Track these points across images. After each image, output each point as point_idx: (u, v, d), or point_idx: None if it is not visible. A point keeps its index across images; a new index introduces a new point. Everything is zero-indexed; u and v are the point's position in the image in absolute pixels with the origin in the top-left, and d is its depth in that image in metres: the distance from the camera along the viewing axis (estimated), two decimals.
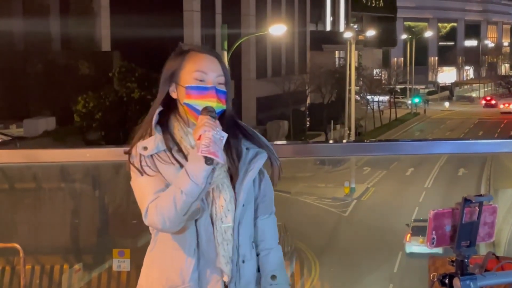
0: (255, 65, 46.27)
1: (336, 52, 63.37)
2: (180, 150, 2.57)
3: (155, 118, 2.61)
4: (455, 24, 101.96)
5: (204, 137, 2.43)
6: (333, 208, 26.29)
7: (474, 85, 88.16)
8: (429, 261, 2.97)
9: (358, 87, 53.25)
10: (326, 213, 25.57)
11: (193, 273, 2.56)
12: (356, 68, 49.24)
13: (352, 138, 38.63)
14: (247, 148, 2.65)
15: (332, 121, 44.96)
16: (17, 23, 34.81)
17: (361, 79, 55.90)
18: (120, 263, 4.95)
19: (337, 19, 64.87)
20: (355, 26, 65.16)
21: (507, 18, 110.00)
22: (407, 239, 20.95)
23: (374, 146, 4.16)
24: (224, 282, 2.59)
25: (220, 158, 2.42)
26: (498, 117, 61.32)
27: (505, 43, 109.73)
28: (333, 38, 58.43)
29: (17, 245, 4.97)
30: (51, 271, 5.62)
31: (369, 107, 55.15)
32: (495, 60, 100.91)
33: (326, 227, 23.65)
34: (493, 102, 72.25)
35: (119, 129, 29.80)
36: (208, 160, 2.42)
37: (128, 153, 2.61)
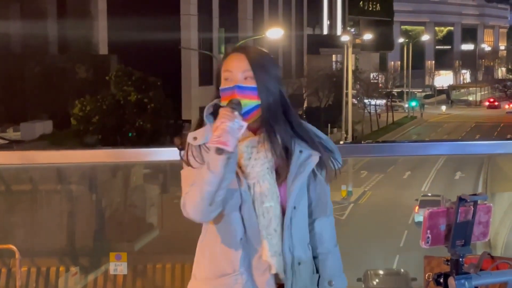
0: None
1: (333, 55, 63.43)
2: None
3: (207, 109, 2.65)
4: (451, 28, 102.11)
5: (218, 128, 2.48)
6: None
7: (471, 88, 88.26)
8: (424, 261, 2.98)
9: (355, 91, 53.25)
10: None
11: (242, 261, 2.60)
12: (353, 72, 49.23)
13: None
14: (300, 151, 2.65)
15: (329, 125, 44.99)
16: (14, 26, 34.80)
17: (358, 82, 55.91)
18: (117, 267, 4.94)
19: (334, 23, 64.94)
20: (352, 30, 65.31)
21: (503, 22, 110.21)
22: (416, 210, 24.72)
23: (370, 147, 4.17)
24: (274, 276, 2.62)
25: (230, 147, 2.46)
26: (495, 120, 61.40)
27: (502, 46, 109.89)
28: (330, 42, 58.49)
29: (13, 247, 4.96)
30: (47, 274, 5.61)
31: (366, 111, 55.18)
32: (491, 63, 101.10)
33: None
34: (496, 103, 74.66)
35: (116, 133, 29.81)
36: (219, 150, 2.46)
37: (181, 145, 2.67)
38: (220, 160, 2.48)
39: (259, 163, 2.61)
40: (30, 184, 6.37)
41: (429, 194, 25.22)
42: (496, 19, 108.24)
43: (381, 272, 19.24)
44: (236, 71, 2.62)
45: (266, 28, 37.09)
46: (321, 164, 2.67)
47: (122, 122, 30.08)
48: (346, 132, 39.46)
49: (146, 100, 30.05)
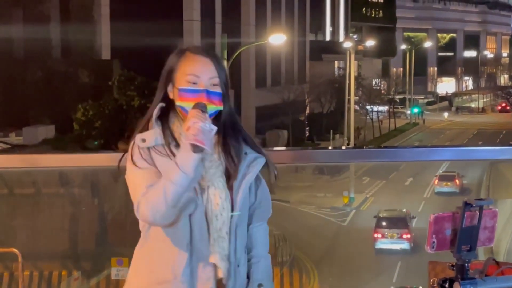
0: (255, 75, 46.34)
1: (336, 62, 63.50)
2: (178, 145, 2.58)
3: (156, 112, 2.63)
4: (454, 35, 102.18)
5: (192, 128, 2.46)
6: (332, 217, 26.27)
7: (473, 95, 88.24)
8: (429, 266, 2.96)
9: (357, 97, 53.28)
10: (325, 223, 25.54)
11: (185, 268, 2.56)
12: (356, 78, 49.28)
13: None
14: (245, 153, 2.66)
15: (331, 131, 44.98)
16: (17, 31, 34.86)
17: (361, 89, 55.93)
18: (119, 272, 4.92)
19: (337, 29, 65.00)
20: (355, 36, 65.36)
21: (506, 29, 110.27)
22: (436, 183, 29.37)
23: (373, 152, 4.15)
24: (217, 281, 2.59)
25: (207, 146, 2.45)
26: (497, 127, 61.36)
27: (504, 54, 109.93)
28: (333, 48, 58.54)
29: (15, 250, 4.95)
30: (49, 278, 5.59)
31: (368, 117, 55.17)
32: (494, 70, 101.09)
33: (325, 236, 23.62)
34: (508, 108, 77.89)
35: (119, 137, 29.79)
36: (196, 148, 2.44)
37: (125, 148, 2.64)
38: (193, 160, 2.45)
39: (214, 165, 2.61)
40: (32, 187, 6.36)
41: (447, 172, 28.52)
42: (499, 26, 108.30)
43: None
44: (204, 76, 2.61)
45: (268, 33, 37.10)
46: (264, 168, 2.69)
47: (124, 127, 30.08)
48: (348, 139, 39.45)
49: (149, 105, 30.03)
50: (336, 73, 61.58)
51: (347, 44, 42.56)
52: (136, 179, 2.55)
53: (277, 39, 31.47)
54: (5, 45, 33.83)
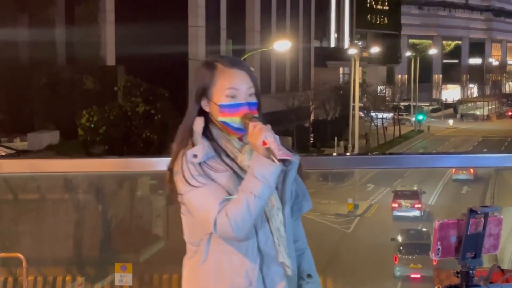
0: (259, 81, 46.29)
1: (340, 68, 63.51)
2: (227, 155, 2.60)
3: (199, 126, 2.62)
4: (459, 42, 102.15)
5: (270, 142, 2.47)
6: (336, 224, 26.22)
7: (478, 103, 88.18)
8: (433, 273, 2.96)
9: (362, 104, 53.25)
10: (329, 230, 25.48)
11: (258, 272, 2.59)
12: (360, 85, 49.26)
13: None
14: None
15: (335, 137, 44.95)
16: (22, 37, 34.95)
17: (365, 95, 55.91)
18: (123, 278, 4.92)
19: (342, 36, 65.03)
20: (360, 43, 65.43)
21: (511, 37, 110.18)
22: (453, 171, 28.92)
23: (377, 159, 4.15)
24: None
25: (294, 157, 2.50)
26: (502, 135, 61.29)
27: (509, 61, 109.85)
28: (337, 55, 58.57)
29: (20, 255, 4.95)
30: (53, 283, 5.59)
31: (373, 124, 55.16)
32: (499, 78, 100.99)
33: (329, 243, 23.56)
34: None
35: (123, 143, 29.83)
36: (286, 162, 2.47)
37: (171, 167, 2.60)
38: (275, 173, 2.48)
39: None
40: (37, 193, 6.37)
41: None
42: (504, 34, 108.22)
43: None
44: (242, 88, 2.62)
45: (273, 40, 37.14)
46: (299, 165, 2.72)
47: (129, 133, 30.11)
48: (353, 146, 39.42)
49: (154, 111, 30.08)
50: (341, 79, 61.59)
51: (352, 51, 42.58)
52: (202, 197, 2.53)
53: (282, 46, 31.51)
54: (11, 51, 33.92)
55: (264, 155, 2.48)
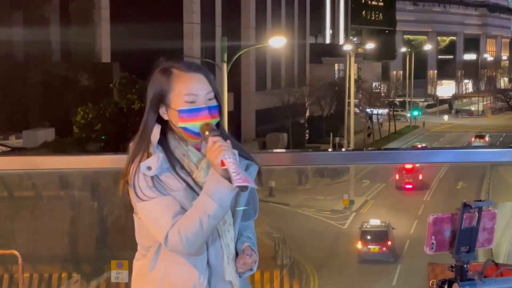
0: (255, 78, 46.34)
1: (336, 64, 63.48)
2: (182, 167, 2.54)
3: (155, 137, 2.55)
4: (454, 38, 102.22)
5: (229, 164, 2.40)
6: (332, 220, 26.25)
7: (473, 98, 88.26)
8: (428, 268, 2.96)
9: (357, 100, 53.30)
10: (325, 226, 25.51)
11: (207, 286, 2.55)
12: (356, 81, 49.30)
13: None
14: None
15: (331, 134, 44.97)
16: (17, 34, 34.87)
17: (361, 92, 55.96)
18: (119, 275, 4.92)
19: (337, 32, 65.03)
20: (355, 39, 65.39)
21: (506, 32, 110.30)
22: (472, 140, 32.14)
23: (373, 154, 4.15)
24: None
25: (251, 182, 2.41)
26: (497, 130, 61.41)
27: (504, 56, 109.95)
28: (333, 51, 58.57)
29: (16, 252, 4.95)
30: (49, 280, 5.59)
31: (366, 120, 55.20)
32: (494, 73, 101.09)
33: (325, 239, 23.59)
34: None
35: (119, 140, 29.81)
36: (244, 188, 2.40)
37: (124, 177, 2.53)
38: (231, 195, 2.43)
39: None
40: (32, 190, 6.36)
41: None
42: (499, 29, 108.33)
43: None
44: (200, 93, 2.55)
45: (268, 36, 37.13)
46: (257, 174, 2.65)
47: (125, 130, 30.09)
48: (348, 142, 39.45)
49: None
50: (336, 76, 61.57)
51: (347, 47, 42.58)
52: (154, 210, 2.49)
53: (277, 42, 31.48)
54: (5, 48, 33.85)
55: (221, 174, 2.41)
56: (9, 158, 3.95)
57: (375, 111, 57.08)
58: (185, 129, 2.54)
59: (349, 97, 39.32)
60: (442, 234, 2.40)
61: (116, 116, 30.01)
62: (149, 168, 2.48)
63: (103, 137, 30.14)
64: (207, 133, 2.48)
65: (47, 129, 33.13)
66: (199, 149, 2.57)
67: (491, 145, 38.39)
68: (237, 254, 2.59)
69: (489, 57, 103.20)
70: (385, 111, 62.00)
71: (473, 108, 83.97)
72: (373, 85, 66.76)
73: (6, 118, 33.73)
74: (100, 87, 33.18)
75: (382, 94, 65.03)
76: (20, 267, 4.92)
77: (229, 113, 29.16)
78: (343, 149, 26.28)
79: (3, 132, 32.57)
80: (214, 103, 2.57)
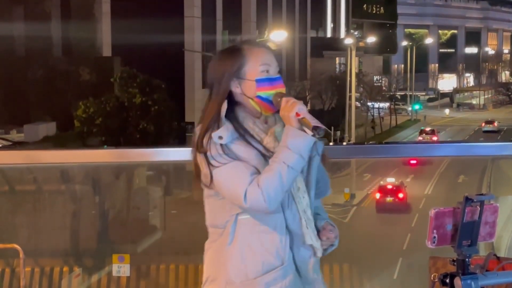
0: None
1: (337, 58, 63.41)
2: (251, 136, 2.64)
3: (223, 110, 2.65)
4: (455, 31, 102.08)
5: (303, 113, 2.58)
6: (333, 214, 26.24)
7: (474, 92, 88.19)
8: (429, 262, 2.96)
9: (358, 94, 53.25)
10: None
11: (289, 251, 2.63)
12: (357, 75, 49.24)
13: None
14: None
15: (332, 128, 44.94)
16: (18, 29, 34.85)
17: (362, 85, 55.90)
18: (120, 268, 4.94)
19: (338, 26, 64.94)
20: (356, 33, 65.28)
21: (507, 26, 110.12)
22: (482, 125, 36.56)
23: (374, 148, 4.15)
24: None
25: (323, 127, 2.57)
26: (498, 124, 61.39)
27: (505, 50, 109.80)
28: (334, 45, 58.48)
29: (17, 246, 4.96)
30: (50, 274, 5.60)
31: (369, 114, 55.16)
32: (495, 67, 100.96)
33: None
34: None
35: (120, 135, 29.82)
36: (318, 130, 2.54)
37: (198, 148, 2.64)
38: (308, 144, 2.54)
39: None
40: (34, 184, 6.37)
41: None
42: (500, 23, 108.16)
43: None
44: (273, 64, 2.72)
45: (269, 30, 37.10)
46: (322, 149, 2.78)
47: (125, 124, 30.08)
48: (349, 136, 39.44)
49: (150, 102, 30.06)
50: (337, 69, 61.51)
51: (348, 41, 42.52)
52: (230, 172, 2.57)
53: (278, 36, 31.49)
54: (7, 43, 33.83)
55: (296, 127, 2.56)
56: (10, 152, 3.96)
57: (376, 105, 57.03)
58: (260, 97, 2.67)
59: (350, 91, 39.28)
60: (444, 228, 2.40)
61: (117, 110, 29.99)
62: (220, 137, 2.59)
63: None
64: (279, 98, 2.64)
65: (48, 123, 33.14)
66: (266, 123, 2.70)
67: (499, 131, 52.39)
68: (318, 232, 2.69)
69: (490, 50, 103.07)
70: (386, 105, 61.96)
71: (474, 101, 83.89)
72: (374, 79, 66.65)
73: (7, 112, 33.72)
74: (101, 81, 33.16)
75: (383, 88, 64.99)
76: (22, 261, 4.92)
77: None
78: (344, 143, 26.30)
79: (4, 126, 32.58)
80: (280, 75, 2.75)
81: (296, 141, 2.54)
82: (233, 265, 2.62)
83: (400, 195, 26.61)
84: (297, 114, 2.57)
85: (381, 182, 27.32)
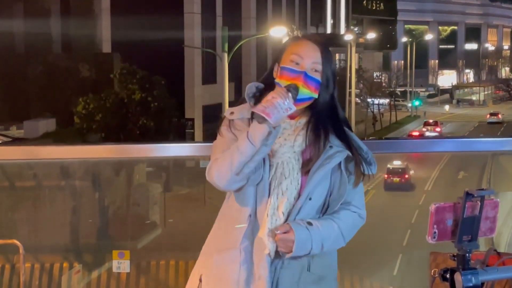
0: (256, 68, 46.30)
1: (337, 54, 63.33)
2: None
3: (249, 87, 2.77)
4: (455, 27, 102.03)
5: (267, 101, 2.59)
6: None
7: (474, 88, 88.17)
8: (430, 257, 2.96)
9: (358, 90, 53.24)
10: None
11: (243, 238, 2.65)
12: (357, 71, 49.23)
13: None
14: (331, 146, 2.70)
15: None
16: (18, 25, 34.83)
17: (362, 81, 55.89)
18: (120, 264, 4.94)
19: (338, 22, 64.90)
20: (356, 29, 65.23)
21: (507, 22, 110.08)
22: (487, 117, 42.04)
23: (374, 144, 4.15)
24: (270, 257, 2.64)
25: (272, 119, 2.54)
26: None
27: (505, 46, 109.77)
28: (334, 41, 58.35)
29: (17, 242, 4.96)
30: (50, 270, 5.60)
31: (369, 110, 55.15)
32: (495, 63, 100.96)
33: None
34: None
35: (120, 131, 29.81)
36: (260, 118, 2.55)
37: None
38: (260, 132, 2.55)
39: (288, 144, 2.68)
40: (34, 180, 6.36)
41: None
42: (500, 19, 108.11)
43: None
44: (307, 58, 2.70)
45: (269, 26, 37.04)
46: (349, 164, 2.70)
47: (125, 121, 30.07)
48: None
49: (150, 98, 30.05)
50: (337, 66, 61.47)
51: (348, 37, 42.50)
52: (215, 146, 2.72)
53: (278, 32, 31.42)
54: (6, 40, 33.82)
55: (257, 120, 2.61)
56: (10, 148, 3.96)
57: (376, 101, 57.02)
58: (278, 84, 2.71)
59: (350, 87, 39.28)
60: (444, 223, 2.39)
61: (117, 106, 29.99)
62: (231, 112, 2.72)
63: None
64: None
65: (48, 120, 33.14)
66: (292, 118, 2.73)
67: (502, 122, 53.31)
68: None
69: (490, 46, 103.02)
70: (386, 101, 61.95)
71: (474, 97, 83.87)
72: (374, 75, 66.64)
73: (7, 108, 33.72)
74: (100, 77, 33.15)
75: (383, 84, 64.97)
76: (21, 257, 4.93)
77: (230, 102, 29.11)
78: None
79: (4, 123, 32.58)
80: (317, 76, 2.70)
81: (252, 128, 2.58)
82: (214, 227, 2.78)
83: (406, 176, 30.02)
84: (265, 100, 2.60)
85: (388, 165, 29.42)
